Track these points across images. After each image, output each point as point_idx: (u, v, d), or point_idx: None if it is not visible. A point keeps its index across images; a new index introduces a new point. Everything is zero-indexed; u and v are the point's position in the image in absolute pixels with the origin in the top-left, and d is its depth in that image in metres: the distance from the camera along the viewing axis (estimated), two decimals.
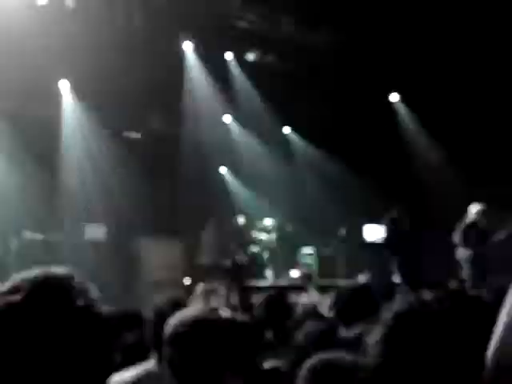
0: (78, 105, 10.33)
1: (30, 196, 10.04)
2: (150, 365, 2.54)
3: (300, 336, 2.83)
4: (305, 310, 4.33)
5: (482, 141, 10.44)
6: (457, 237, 8.27)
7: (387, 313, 1.10)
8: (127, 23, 9.28)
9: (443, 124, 10.85)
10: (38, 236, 9.86)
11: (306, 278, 5.50)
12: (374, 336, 1.09)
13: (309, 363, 1.89)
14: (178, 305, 2.68)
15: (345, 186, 11.79)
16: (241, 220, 10.43)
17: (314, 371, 1.84)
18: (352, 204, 11.44)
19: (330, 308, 3.50)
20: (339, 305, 3.28)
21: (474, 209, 8.37)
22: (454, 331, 1.02)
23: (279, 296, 3.95)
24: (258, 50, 11.17)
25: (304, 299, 6.07)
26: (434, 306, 1.06)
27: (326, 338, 2.75)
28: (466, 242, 8.20)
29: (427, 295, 1.09)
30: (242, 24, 10.26)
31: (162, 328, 2.16)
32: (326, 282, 9.46)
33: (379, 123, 11.31)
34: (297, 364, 2.10)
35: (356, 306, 3.14)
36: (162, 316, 2.49)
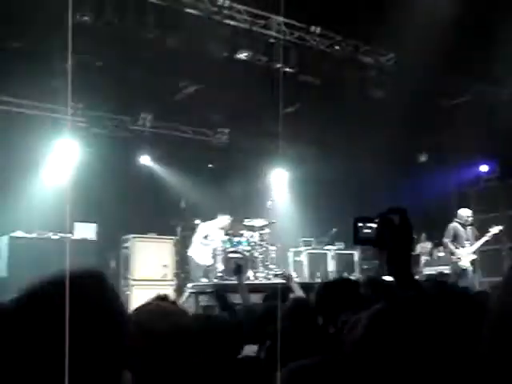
0: None
1: (21, 195, 10.10)
2: None
3: None
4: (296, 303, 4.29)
5: None
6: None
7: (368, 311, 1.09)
8: None
9: None
10: (29, 235, 9.88)
11: (288, 278, 5.41)
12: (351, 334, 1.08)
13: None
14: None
15: (338, 186, 11.69)
16: (227, 219, 10.22)
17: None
18: (344, 203, 11.31)
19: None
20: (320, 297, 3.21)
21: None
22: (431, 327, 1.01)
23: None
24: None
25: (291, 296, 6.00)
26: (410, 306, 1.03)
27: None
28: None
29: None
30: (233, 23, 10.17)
31: None
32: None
33: (365, 119, 11.07)
34: None
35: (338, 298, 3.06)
36: None
